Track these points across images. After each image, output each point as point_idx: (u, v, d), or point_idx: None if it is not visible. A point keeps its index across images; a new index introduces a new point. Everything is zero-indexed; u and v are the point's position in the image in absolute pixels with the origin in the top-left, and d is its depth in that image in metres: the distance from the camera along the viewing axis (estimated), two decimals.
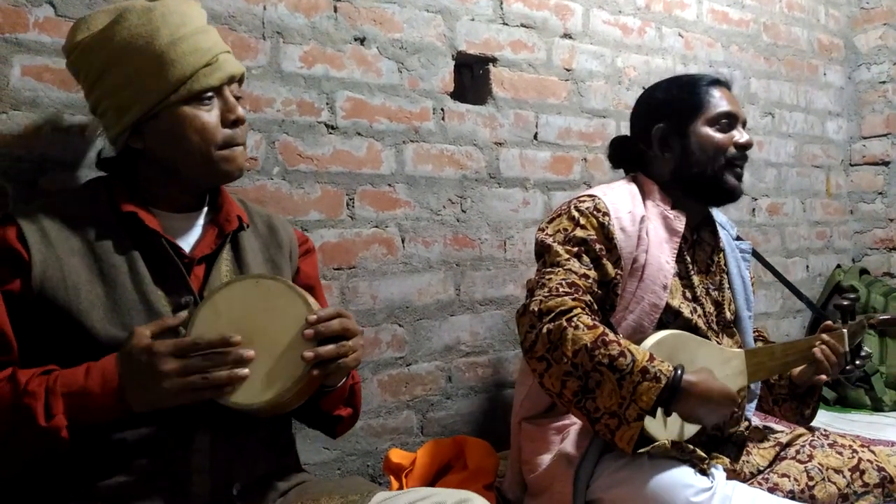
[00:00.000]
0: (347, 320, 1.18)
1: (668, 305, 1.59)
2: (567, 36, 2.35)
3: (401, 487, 1.75)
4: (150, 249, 1.21)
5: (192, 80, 1.19)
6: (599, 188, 1.69)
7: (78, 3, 1.52)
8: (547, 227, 1.62)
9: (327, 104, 1.86)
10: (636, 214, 1.61)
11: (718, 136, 1.65)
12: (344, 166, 1.89)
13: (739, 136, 1.66)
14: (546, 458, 1.57)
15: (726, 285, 1.73)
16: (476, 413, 2.08)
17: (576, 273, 1.51)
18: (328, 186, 1.86)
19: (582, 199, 1.63)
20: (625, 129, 2.50)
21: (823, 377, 1.67)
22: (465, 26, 2.11)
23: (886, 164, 3.28)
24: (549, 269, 1.53)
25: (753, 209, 2.95)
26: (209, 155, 1.23)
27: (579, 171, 2.36)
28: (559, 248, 1.54)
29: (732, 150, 1.65)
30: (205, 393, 1.09)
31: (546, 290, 1.48)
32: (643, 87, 2.54)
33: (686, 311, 1.62)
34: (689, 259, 1.67)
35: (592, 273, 1.53)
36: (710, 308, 1.68)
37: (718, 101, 1.67)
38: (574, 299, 1.46)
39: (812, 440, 1.62)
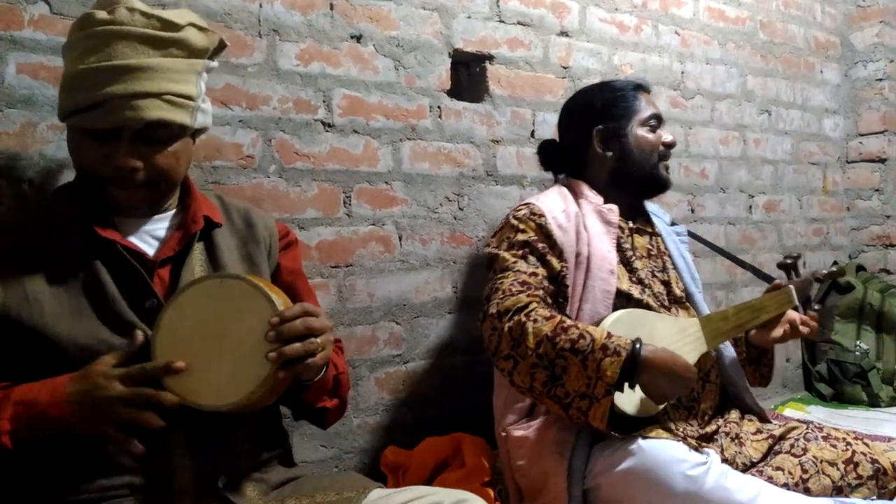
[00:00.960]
0: (312, 319, 1.15)
1: (617, 290, 1.66)
2: (564, 34, 2.35)
3: (398, 485, 1.75)
4: (111, 255, 1.20)
5: (81, 115, 1.17)
6: (533, 197, 1.79)
7: (73, 0, 1.52)
8: (492, 241, 1.72)
9: (324, 102, 1.86)
10: (570, 212, 1.72)
11: (650, 136, 1.80)
12: (340, 164, 1.89)
13: (665, 135, 1.81)
14: (535, 460, 1.59)
15: (670, 266, 1.83)
16: (473, 411, 2.07)
17: (525, 273, 1.60)
18: (325, 184, 1.86)
19: (518, 208, 1.74)
20: None
21: (777, 337, 1.76)
22: (462, 24, 2.11)
23: (883, 161, 3.29)
24: (499, 275, 1.62)
25: (750, 206, 2.95)
26: (96, 182, 1.22)
27: None
28: (506, 255, 1.64)
29: (661, 147, 1.81)
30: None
31: (500, 292, 1.57)
32: None
33: (636, 293, 1.69)
34: (628, 246, 1.76)
35: (541, 270, 1.62)
36: (658, 288, 1.76)
37: (646, 105, 1.82)
38: (528, 295, 1.55)
39: (806, 433, 1.64)
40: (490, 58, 2.18)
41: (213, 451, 1.19)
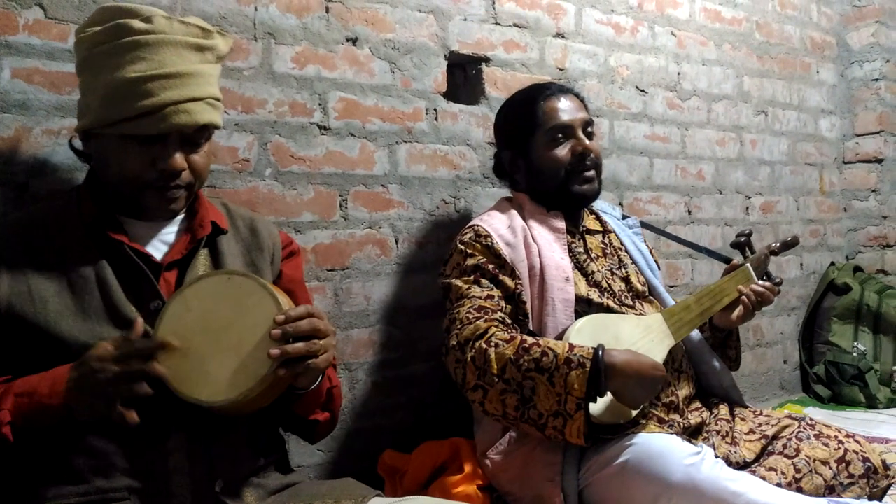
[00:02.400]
0: (318, 320, 1.16)
1: (577, 297, 1.65)
2: (560, 35, 2.35)
3: (395, 489, 1.74)
4: (118, 257, 1.22)
5: (129, 122, 1.18)
6: (477, 217, 1.77)
7: (68, 4, 1.51)
8: (445, 269, 1.71)
9: (319, 105, 1.86)
10: (516, 227, 1.70)
11: (556, 152, 1.73)
12: (337, 167, 1.88)
13: (576, 144, 1.73)
14: (526, 484, 1.58)
15: (628, 261, 1.82)
16: (472, 415, 2.07)
17: (480, 297, 1.59)
18: (321, 187, 1.86)
19: (464, 232, 1.72)
20: (618, 128, 2.51)
21: (739, 317, 1.75)
22: (458, 26, 2.11)
23: (879, 161, 3.29)
24: (456, 305, 1.61)
25: (747, 207, 2.95)
26: (134, 189, 1.23)
27: None
28: (458, 282, 1.63)
29: (569, 160, 1.72)
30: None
31: (458, 322, 1.56)
32: (636, 87, 2.56)
33: (595, 297, 1.68)
34: (580, 250, 1.76)
35: (496, 292, 1.61)
36: (619, 286, 1.75)
37: (551, 115, 1.74)
38: (486, 321, 1.53)
39: (798, 432, 1.64)
40: (486, 60, 2.17)
41: (210, 454, 1.19)
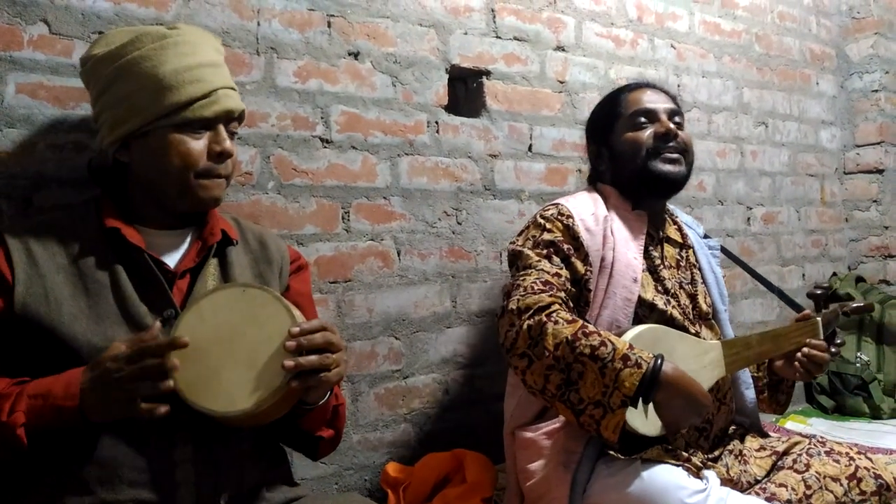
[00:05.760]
0: (331, 334, 1.18)
1: (641, 299, 1.63)
2: (560, 48, 2.36)
3: (399, 502, 1.74)
4: (134, 264, 1.24)
5: (186, 109, 1.23)
6: (563, 198, 1.76)
7: (72, 20, 1.53)
8: (517, 239, 1.69)
9: (322, 118, 1.87)
10: (599, 215, 1.69)
11: (638, 134, 1.72)
12: (339, 180, 1.89)
13: (660, 126, 1.72)
14: (541, 465, 1.57)
15: (699, 279, 1.79)
16: (474, 426, 2.07)
17: (548, 272, 1.57)
18: (323, 200, 1.87)
19: (546, 208, 1.71)
20: None
21: (803, 376, 1.72)
22: (459, 40, 2.12)
23: (880, 171, 3.30)
24: (522, 272, 1.59)
25: (748, 218, 2.96)
26: (187, 180, 1.26)
27: (574, 182, 2.37)
28: (530, 252, 1.61)
29: (651, 142, 1.71)
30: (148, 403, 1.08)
31: (522, 289, 1.53)
32: None
33: (660, 304, 1.66)
34: (656, 255, 1.73)
35: (564, 272, 1.59)
36: (685, 301, 1.72)
37: (633, 103, 1.75)
38: (550, 296, 1.51)
39: (809, 448, 1.62)
40: (487, 73, 2.19)
41: (216, 467, 1.20)
